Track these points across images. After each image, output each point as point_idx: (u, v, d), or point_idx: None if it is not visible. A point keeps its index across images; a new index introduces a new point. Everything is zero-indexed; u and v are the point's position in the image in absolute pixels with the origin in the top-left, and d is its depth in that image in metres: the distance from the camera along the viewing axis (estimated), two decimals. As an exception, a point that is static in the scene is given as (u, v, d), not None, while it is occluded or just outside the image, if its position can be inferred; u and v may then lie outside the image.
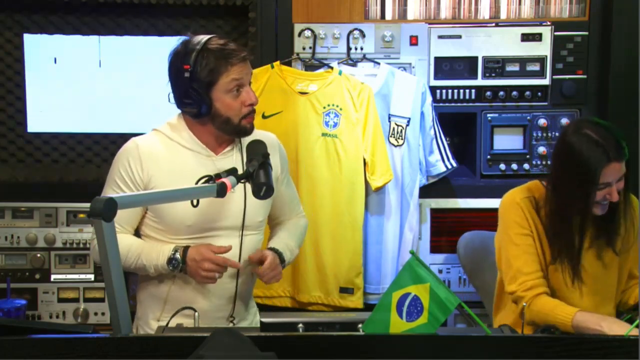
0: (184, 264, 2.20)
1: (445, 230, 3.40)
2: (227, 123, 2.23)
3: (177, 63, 2.20)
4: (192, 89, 2.18)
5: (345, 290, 3.27)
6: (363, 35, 3.32)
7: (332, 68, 3.26)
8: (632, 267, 2.45)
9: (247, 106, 2.23)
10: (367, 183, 3.23)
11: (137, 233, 2.35)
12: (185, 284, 2.28)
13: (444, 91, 3.39)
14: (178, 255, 2.20)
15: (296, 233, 2.48)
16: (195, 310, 2.15)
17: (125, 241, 2.24)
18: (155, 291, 2.32)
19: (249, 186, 2.18)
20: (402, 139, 3.28)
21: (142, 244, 2.28)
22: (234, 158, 2.28)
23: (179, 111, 2.31)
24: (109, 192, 2.25)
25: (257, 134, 2.35)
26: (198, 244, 2.24)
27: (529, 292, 2.32)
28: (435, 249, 3.42)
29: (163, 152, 2.26)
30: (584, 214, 2.32)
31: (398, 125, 3.28)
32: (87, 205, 1.77)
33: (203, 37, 2.21)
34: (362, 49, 3.33)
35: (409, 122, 3.28)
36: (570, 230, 2.34)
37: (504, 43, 3.37)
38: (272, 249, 2.33)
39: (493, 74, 3.38)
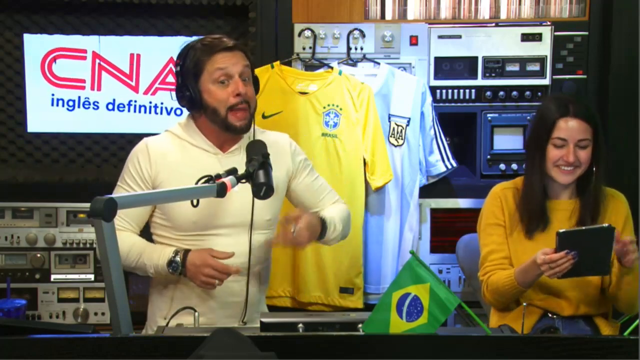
0: (184, 267, 2.22)
1: (445, 230, 3.40)
2: (215, 114, 2.25)
3: (175, 61, 2.30)
4: (182, 82, 2.26)
5: (345, 290, 3.27)
6: (363, 35, 3.32)
7: (332, 68, 3.26)
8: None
9: (235, 96, 2.22)
10: (367, 183, 3.23)
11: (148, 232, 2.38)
12: (190, 286, 2.29)
13: (444, 91, 3.39)
14: (178, 259, 2.22)
15: (338, 214, 2.41)
16: (195, 310, 2.15)
17: (128, 240, 2.28)
18: (163, 290, 2.34)
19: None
20: (402, 139, 3.28)
21: (145, 244, 2.30)
22: (241, 156, 2.28)
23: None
24: (120, 190, 2.31)
25: (267, 134, 2.39)
26: (203, 242, 2.26)
27: (486, 276, 2.45)
28: (435, 249, 3.42)
29: (172, 151, 2.31)
30: (545, 180, 2.37)
31: (398, 125, 3.28)
32: (87, 205, 1.77)
33: (199, 37, 2.31)
34: (362, 49, 3.33)
35: (409, 122, 3.28)
36: (536, 195, 2.40)
37: (504, 43, 3.37)
38: (319, 217, 2.31)
39: (493, 74, 3.38)
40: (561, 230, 2.18)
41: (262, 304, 2.47)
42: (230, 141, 2.32)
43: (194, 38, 2.36)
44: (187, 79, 2.25)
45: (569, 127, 2.32)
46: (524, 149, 2.52)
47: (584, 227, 2.28)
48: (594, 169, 2.38)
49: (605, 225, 2.22)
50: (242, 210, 2.28)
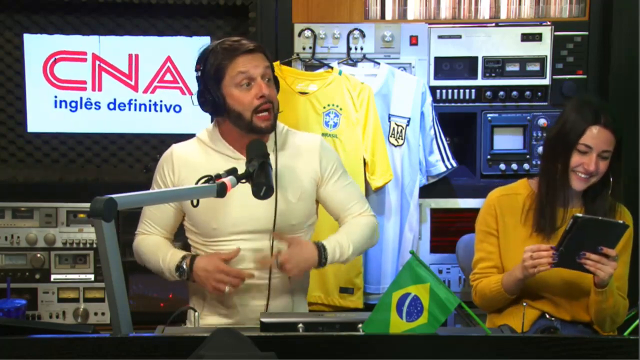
0: (191, 273, 2.23)
1: (445, 230, 3.40)
2: (240, 119, 2.23)
3: (195, 66, 2.27)
4: (205, 87, 2.23)
5: (345, 290, 3.27)
6: (363, 35, 3.32)
7: (332, 68, 3.26)
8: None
9: (259, 99, 2.21)
10: (367, 183, 3.23)
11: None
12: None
13: (444, 91, 3.39)
14: (184, 265, 2.23)
15: (353, 231, 2.36)
16: (195, 310, 2.15)
17: (155, 243, 2.33)
18: (198, 290, 2.36)
19: (278, 189, 2.22)
20: (402, 139, 3.28)
21: (164, 248, 2.32)
22: None
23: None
24: None
25: (299, 135, 2.39)
26: (227, 248, 2.26)
27: (475, 282, 2.48)
28: (435, 249, 3.42)
29: (197, 157, 2.31)
30: (563, 184, 2.35)
31: (398, 125, 3.28)
32: (87, 205, 1.77)
33: (219, 40, 2.28)
34: (362, 49, 3.33)
35: (409, 122, 3.28)
36: (553, 203, 2.38)
37: (504, 43, 3.37)
38: (316, 243, 2.29)
39: (493, 74, 3.38)
40: (579, 215, 2.16)
41: (299, 307, 2.42)
42: None
43: (207, 39, 2.33)
44: (208, 84, 2.22)
45: (597, 136, 2.28)
46: (543, 150, 2.47)
47: (600, 217, 2.25)
48: (610, 180, 2.35)
49: (621, 222, 2.22)
50: (266, 215, 2.26)
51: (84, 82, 3.48)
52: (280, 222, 2.27)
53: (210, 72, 2.22)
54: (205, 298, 2.34)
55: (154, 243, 2.34)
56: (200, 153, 2.32)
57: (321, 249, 2.27)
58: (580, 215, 2.17)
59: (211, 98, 2.22)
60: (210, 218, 2.26)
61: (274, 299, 2.31)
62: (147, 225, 2.37)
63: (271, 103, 2.23)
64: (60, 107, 3.48)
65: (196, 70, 2.26)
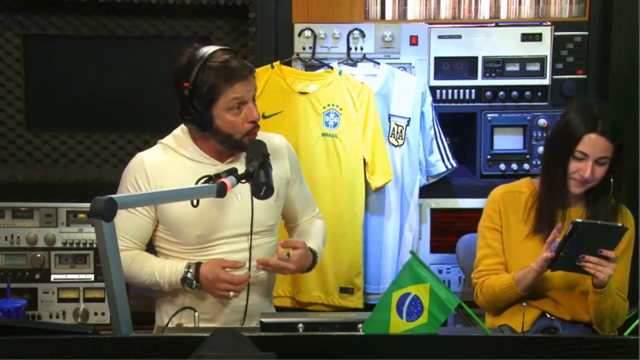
0: (198, 281, 2.21)
1: (445, 230, 3.40)
2: (229, 139, 2.23)
3: (179, 78, 2.19)
4: (192, 105, 2.17)
5: (345, 290, 3.27)
6: (363, 35, 3.32)
7: (332, 68, 3.26)
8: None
9: (249, 123, 2.21)
10: (367, 183, 3.23)
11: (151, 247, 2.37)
12: (199, 292, 2.29)
13: (444, 91, 3.39)
14: (190, 275, 2.21)
15: (320, 236, 2.46)
16: (195, 310, 2.15)
17: (138, 258, 2.28)
18: (174, 299, 2.33)
19: None
20: (402, 139, 3.28)
21: (155, 261, 2.29)
22: (239, 164, 2.24)
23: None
24: (119, 210, 2.25)
25: (264, 136, 2.34)
26: (208, 252, 2.26)
27: (480, 279, 2.47)
28: (435, 249, 3.42)
29: (168, 165, 2.27)
30: (562, 188, 2.36)
31: (398, 125, 3.28)
32: (87, 205, 1.77)
33: (205, 52, 2.17)
34: (362, 49, 3.33)
35: (409, 122, 3.28)
36: (552, 205, 2.39)
37: (504, 43, 3.37)
38: (311, 250, 2.34)
39: (493, 74, 3.38)
40: (578, 220, 2.17)
41: (270, 308, 2.46)
42: (229, 155, 2.30)
43: (207, 39, 2.26)
44: (196, 103, 2.16)
45: (593, 143, 2.29)
46: (543, 152, 2.50)
47: (600, 222, 2.27)
48: (611, 180, 2.36)
49: (619, 224, 2.23)
50: (245, 217, 2.26)
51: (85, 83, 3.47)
52: (260, 223, 2.29)
53: (201, 92, 2.15)
54: (183, 306, 2.27)
55: (138, 257, 2.28)
56: (171, 161, 2.27)
57: (315, 257, 2.35)
58: (580, 220, 2.18)
59: (199, 116, 2.18)
60: (195, 225, 2.24)
61: (253, 299, 2.31)
62: (122, 239, 2.24)
63: (257, 123, 2.25)
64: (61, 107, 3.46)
65: (181, 86, 2.16)
